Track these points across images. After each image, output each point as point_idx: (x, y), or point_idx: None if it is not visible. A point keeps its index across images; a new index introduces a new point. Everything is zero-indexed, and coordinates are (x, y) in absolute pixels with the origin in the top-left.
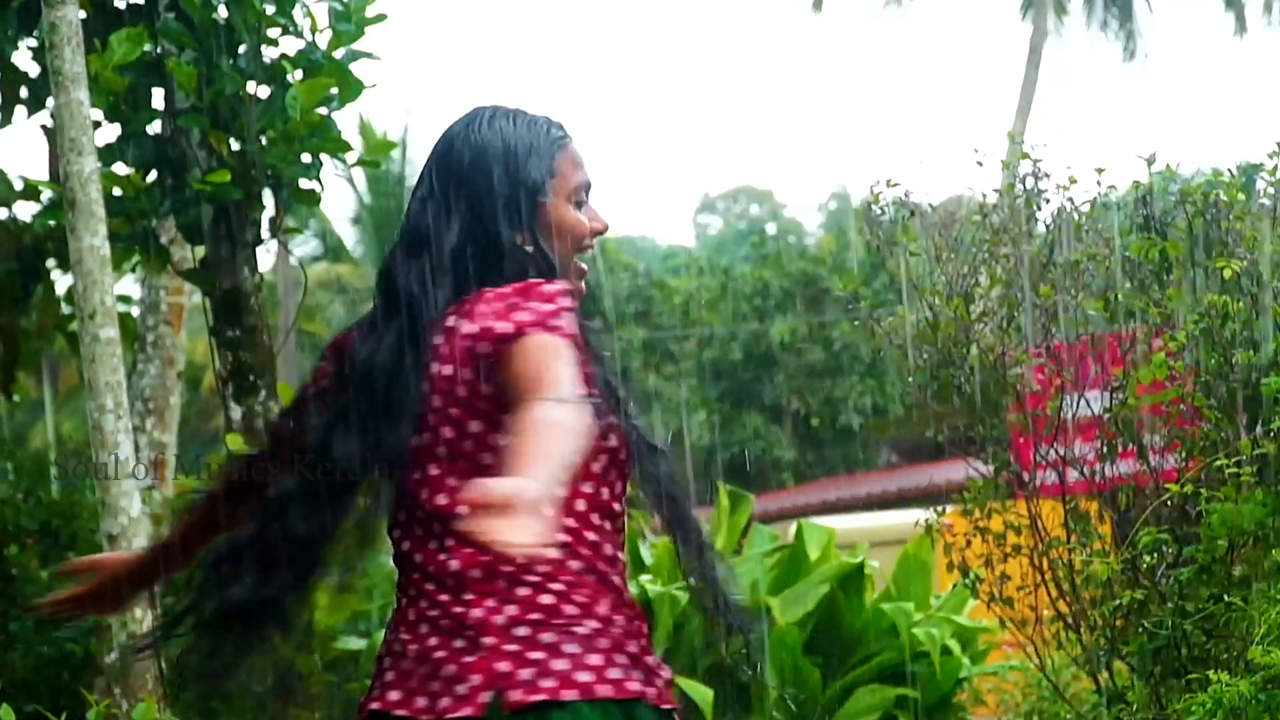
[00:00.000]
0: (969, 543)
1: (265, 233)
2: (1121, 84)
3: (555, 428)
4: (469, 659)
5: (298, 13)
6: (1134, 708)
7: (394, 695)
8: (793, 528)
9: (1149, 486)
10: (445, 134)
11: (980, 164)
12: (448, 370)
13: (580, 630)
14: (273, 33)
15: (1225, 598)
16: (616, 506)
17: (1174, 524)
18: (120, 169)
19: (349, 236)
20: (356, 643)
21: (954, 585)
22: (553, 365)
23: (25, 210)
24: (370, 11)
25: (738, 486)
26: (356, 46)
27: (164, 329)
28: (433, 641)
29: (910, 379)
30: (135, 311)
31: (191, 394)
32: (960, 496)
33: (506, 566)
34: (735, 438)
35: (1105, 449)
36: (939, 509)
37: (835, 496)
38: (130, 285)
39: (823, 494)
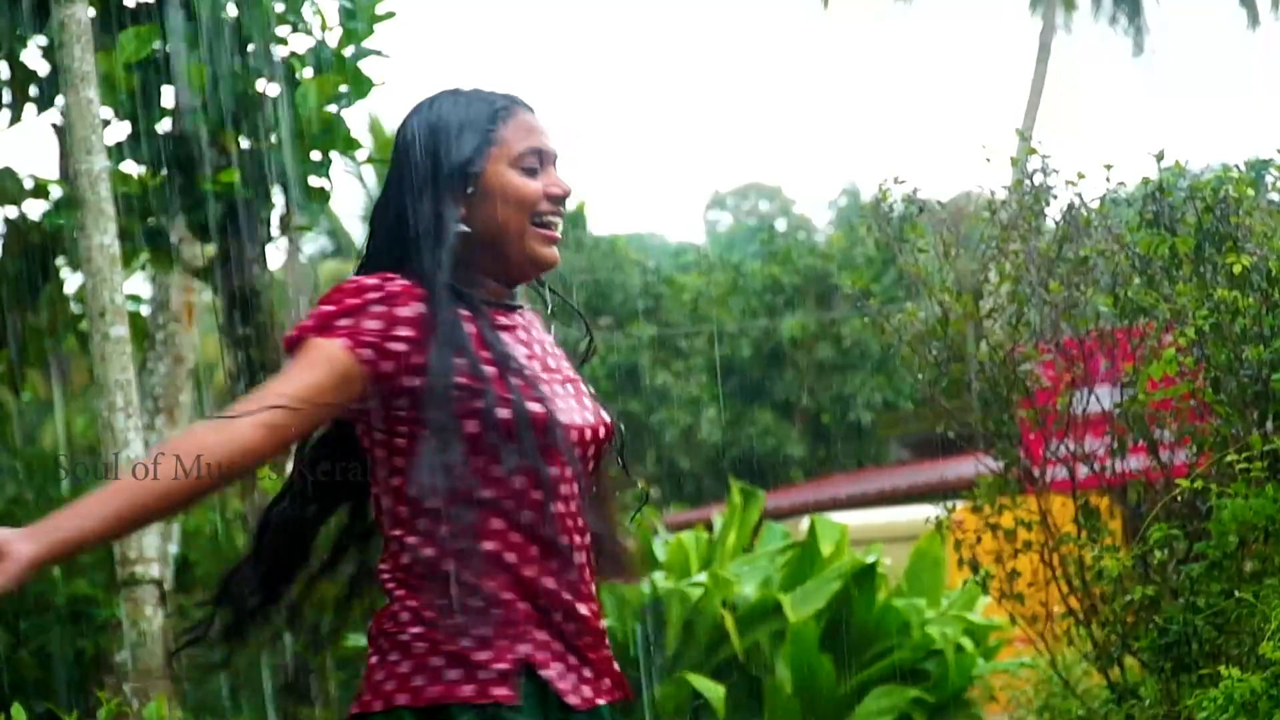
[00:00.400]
0: (979, 539)
1: (275, 230)
2: (1130, 79)
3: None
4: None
5: (307, 10)
6: (1145, 703)
7: None
8: (804, 524)
9: (1159, 482)
10: (403, 120)
11: (989, 160)
12: None
13: (402, 638)
14: (282, 31)
15: (1236, 593)
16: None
17: (1184, 520)
18: (130, 167)
19: (359, 234)
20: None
21: (965, 581)
22: (287, 370)
23: (35, 209)
24: (380, 9)
25: (749, 483)
26: (366, 44)
27: (174, 327)
28: None
29: (920, 375)
30: (145, 310)
31: (201, 392)
32: (970, 493)
33: (382, 575)
34: (746, 434)
35: (1115, 445)
36: (949, 505)
37: (846, 493)
38: (140, 283)
39: (834, 490)
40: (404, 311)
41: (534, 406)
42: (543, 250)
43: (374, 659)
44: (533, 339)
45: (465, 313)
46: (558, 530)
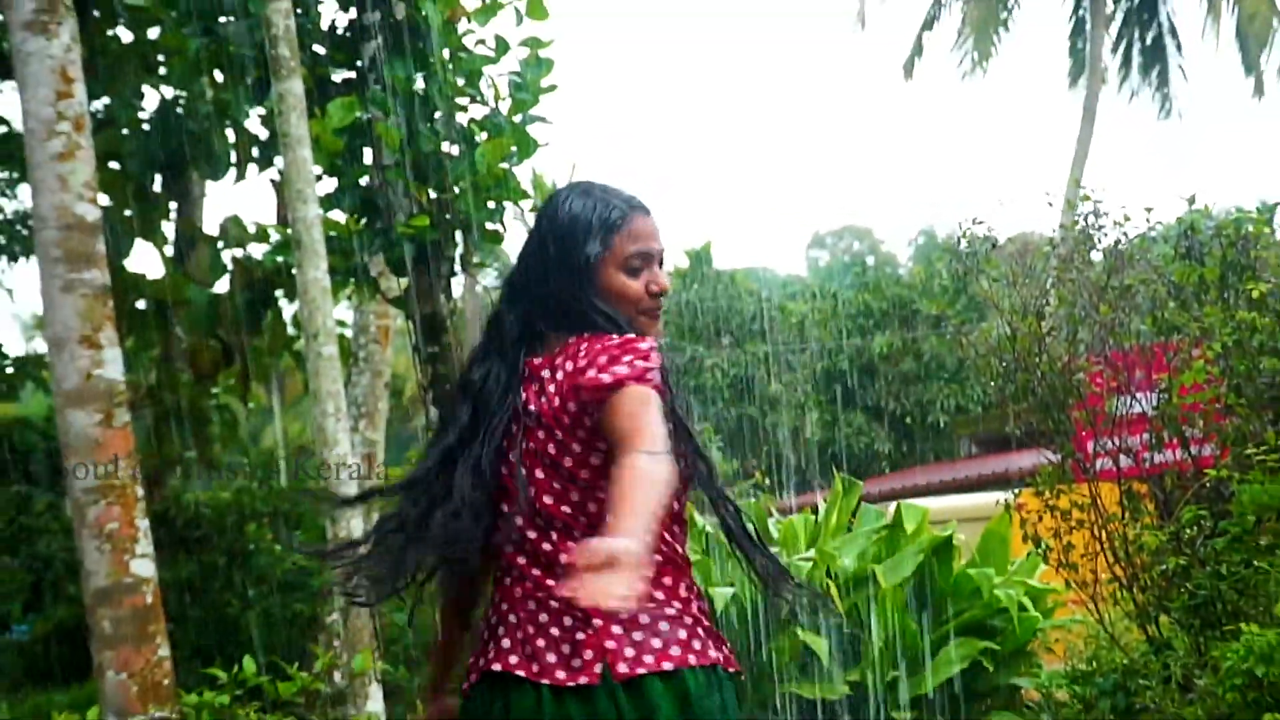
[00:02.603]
0: (1040, 518)
1: (457, 267)
2: (1160, 137)
3: (650, 481)
4: (581, 636)
5: (484, 84)
6: (1179, 654)
7: (513, 659)
8: (892, 507)
9: (1190, 472)
10: (543, 205)
11: (1050, 204)
12: (555, 401)
13: (669, 612)
14: (462, 101)
15: (1254, 563)
16: (683, 513)
17: (1211, 502)
18: (337, 215)
19: None
20: None
21: (1027, 554)
22: (644, 416)
23: (258, 250)
24: (544, 83)
25: (848, 474)
26: (533, 112)
27: (374, 347)
28: (543, 618)
29: (991, 383)
30: (350, 333)
31: (396, 401)
32: (1032, 480)
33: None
34: (844, 434)
35: (1153, 440)
36: (1015, 490)
37: (925, 482)
38: (345, 311)
39: (915, 480)
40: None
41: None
42: (647, 333)
43: (637, 629)
44: None
45: None
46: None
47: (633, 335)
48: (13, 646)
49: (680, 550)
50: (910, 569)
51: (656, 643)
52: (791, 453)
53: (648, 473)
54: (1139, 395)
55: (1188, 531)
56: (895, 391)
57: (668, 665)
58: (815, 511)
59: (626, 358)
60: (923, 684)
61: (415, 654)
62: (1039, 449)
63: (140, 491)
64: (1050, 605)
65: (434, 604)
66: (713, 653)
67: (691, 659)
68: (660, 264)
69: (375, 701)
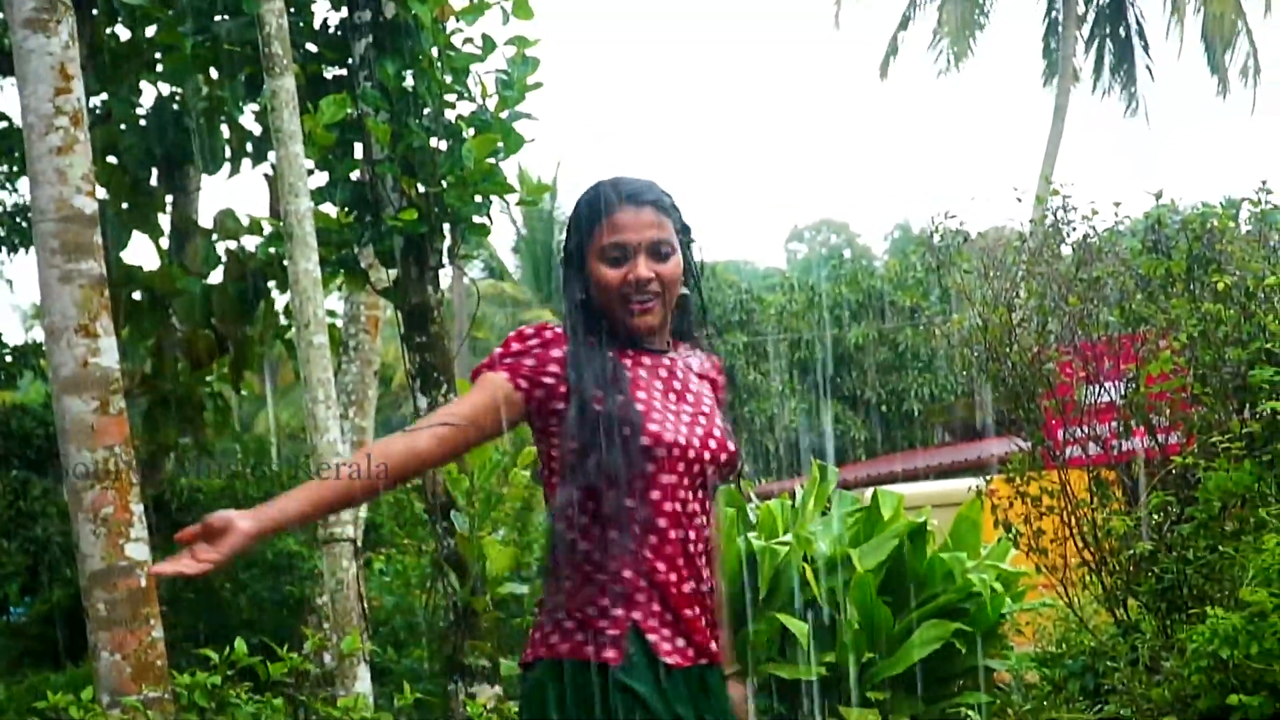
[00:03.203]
0: (1011, 504)
1: (445, 258)
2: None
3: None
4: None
5: (471, 82)
6: (1146, 637)
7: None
8: (868, 493)
9: (1157, 459)
10: None
11: (1020, 199)
12: None
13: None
14: (450, 97)
15: (1219, 548)
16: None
17: (1177, 489)
18: (328, 208)
19: (510, 261)
20: (519, 588)
21: (998, 539)
22: (463, 395)
23: (251, 242)
24: (530, 81)
25: (824, 461)
26: (519, 109)
27: (363, 336)
28: None
29: (963, 372)
30: (340, 322)
31: (385, 388)
32: (1003, 467)
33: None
34: (820, 421)
35: (1121, 429)
36: (987, 477)
37: (900, 468)
38: (336, 301)
39: (890, 466)
40: (555, 353)
41: (634, 420)
42: (631, 321)
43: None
44: (674, 376)
45: (610, 354)
46: (664, 521)
47: (549, 323)
48: (10, 628)
49: (570, 537)
50: (885, 553)
51: (536, 635)
52: (771, 440)
53: (376, 446)
54: (1107, 384)
55: (1155, 517)
56: (871, 381)
57: (527, 658)
58: (793, 497)
59: (498, 348)
60: (897, 665)
61: (403, 636)
62: (1010, 437)
63: (135, 477)
64: (1021, 589)
65: (422, 587)
66: (564, 646)
67: (538, 652)
68: (656, 256)
69: (363, 682)
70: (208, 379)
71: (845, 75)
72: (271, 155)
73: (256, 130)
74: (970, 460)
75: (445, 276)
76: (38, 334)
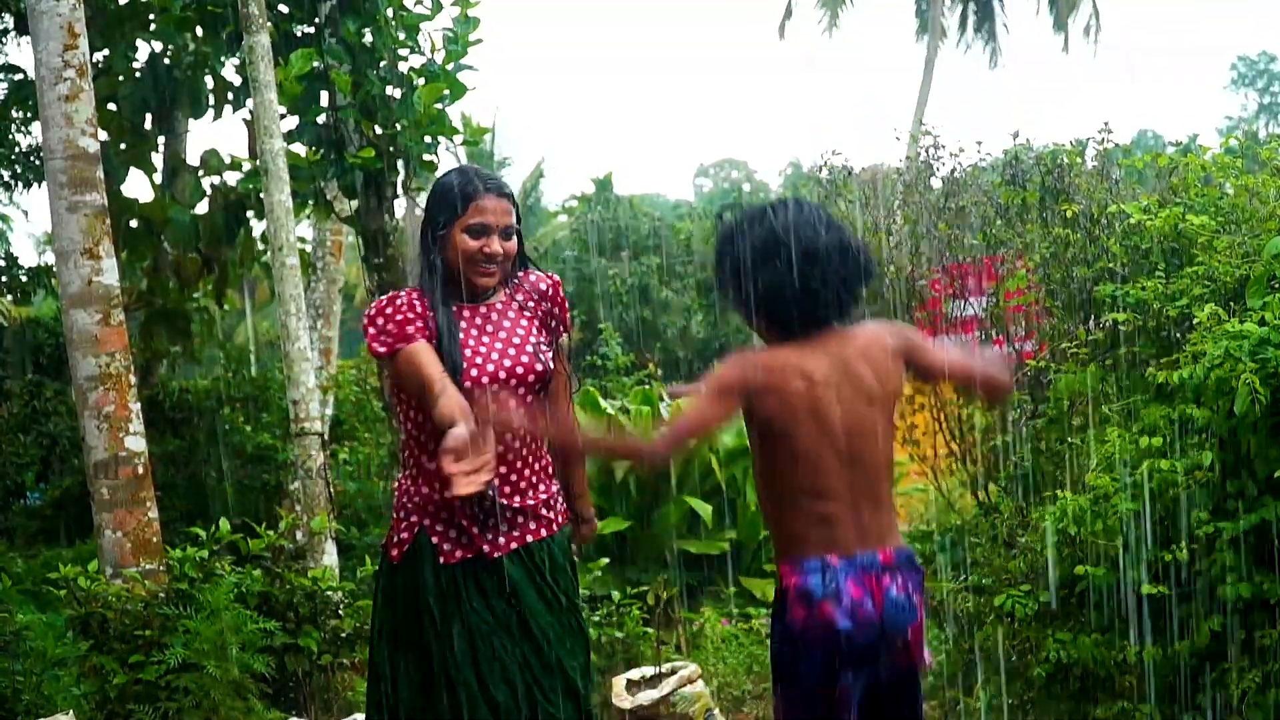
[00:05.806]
0: None
1: (399, 190)
2: (994, 82)
3: None
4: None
5: (422, 38)
6: (1004, 517)
7: None
8: None
9: (1014, 364)
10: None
11: (897, 139)
12: None
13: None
14: (404, 52)
15: (1067, 440)
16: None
17: (1031, 389)
18: (299, 148)
19: None
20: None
21: None
22: (419, 365)
23: (232, 178)
24: (472, 37)
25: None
26: (462, 61)
27: (329, 259)
28: None
29: None
30: (309, 247)
31: (348, 304)
32: None
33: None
34: (722, 331)
35: (984, 337)
36: None
37: None
38: (306, 229)
39: None
40: (420, 311)
41: (458, 361)
42: (476, 281)
43: None
44: (489, 320)
45: (452, 308)
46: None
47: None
48: (26, 511)
49: (404, 454)
50: None
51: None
52: (680, 348)
53: None
54: (971, 300)
55: (1012, 414)
56: None
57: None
58: None
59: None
60: None
61: (365, 516)
62: None
63: (133, 380)
64: (896, 476)
65: (380, 474)
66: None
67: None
68: (505, 236)
69: (330, 556)
70: (195, 296)
71: (747, 31)
72: (249, 102)
73: (236, 80)
74: None
75: (400, 206)
76: (49, 257)
